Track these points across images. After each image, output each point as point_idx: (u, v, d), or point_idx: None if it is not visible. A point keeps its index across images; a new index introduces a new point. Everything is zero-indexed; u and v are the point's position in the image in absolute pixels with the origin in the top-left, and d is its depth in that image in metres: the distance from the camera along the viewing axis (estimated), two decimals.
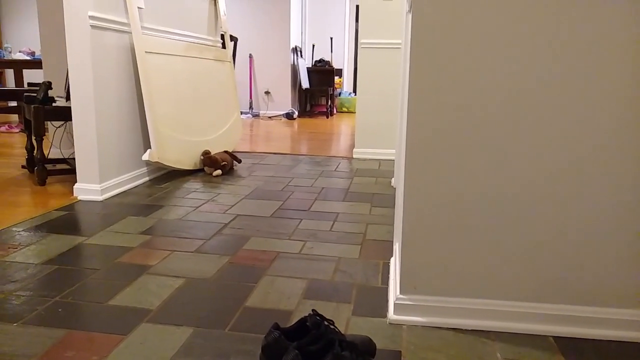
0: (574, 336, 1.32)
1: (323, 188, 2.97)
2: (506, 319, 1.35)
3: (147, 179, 3.10)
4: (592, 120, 1.24)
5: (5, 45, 6.40)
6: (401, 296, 1.38)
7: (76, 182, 2.65)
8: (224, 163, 3.31)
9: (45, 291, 1.54)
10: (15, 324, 1.34)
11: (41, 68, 3.85)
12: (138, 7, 2.88)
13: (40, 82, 3.27)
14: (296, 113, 7.66)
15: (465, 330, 1.35)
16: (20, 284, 1.59)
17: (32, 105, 2.81)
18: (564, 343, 1.29)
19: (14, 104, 6.44)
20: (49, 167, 3.11)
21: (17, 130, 5.35)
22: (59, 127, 3.42)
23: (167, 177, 3.20)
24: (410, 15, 1.36)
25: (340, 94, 8.68)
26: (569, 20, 1.20)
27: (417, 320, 1.37)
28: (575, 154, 1.26)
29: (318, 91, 8.04)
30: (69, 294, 1.53)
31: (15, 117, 6.41)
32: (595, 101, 1.23)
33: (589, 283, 1.32)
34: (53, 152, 3.52)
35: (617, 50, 1.20)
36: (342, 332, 1.31)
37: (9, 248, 1.90)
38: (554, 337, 1.32)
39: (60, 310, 1.42)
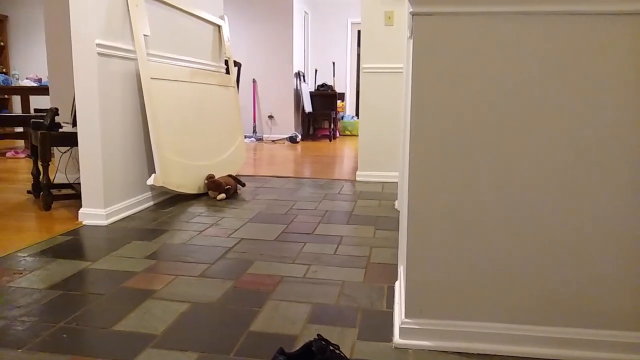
0: (579, 359, 1.31)
1: (327, 211, 2.98)
2: (512, 342, 1.34)
3: (151, 203, 3.11)
4: (597, 141, 1.25)
5: (13, 72, 6.51)
6: (407, 320, 1.37)
7: (81, 207, 2.67)
8: (228, 187, 3.33)
9: (49, 317, 1.54)
10: (19, 350, 1.34)
11: (47, 94, 3.90)
12: (144, 35, 2.93)
13: (47, 108, 3.32)
14: (299, 136, 7.71)
15: (472, 354, 1.34)
16: (24, 310, 1.59)
17: (39, 131, 2.85)
18: None
19: (20, 129, 6.52)
20: (55, 192, 3.14)
21: (24, 156, 5.40)
22: (65, 152, 3.45)
23: (172, 201, 3.21)
24: (411, 41, 1.39)
25: (342, 117, 8.74)
26: (568, 34, 1.22)
27: (423, 344, 1.36)
28: (581, 180, 1.27)
29: (321, 115, 8.10)
30: (74, 319, 1.52)
31: (21, 143, 6.48)
32: (595, 117, 1.25)
33: (593, 305, 1.31)
34: (58, 177, 3.55)
35: (615, 55, 1.22)
36: (348, 357, 1.30)
37: (14, 274, 1.91)
38: None
39: (64, 336, 1.42)
